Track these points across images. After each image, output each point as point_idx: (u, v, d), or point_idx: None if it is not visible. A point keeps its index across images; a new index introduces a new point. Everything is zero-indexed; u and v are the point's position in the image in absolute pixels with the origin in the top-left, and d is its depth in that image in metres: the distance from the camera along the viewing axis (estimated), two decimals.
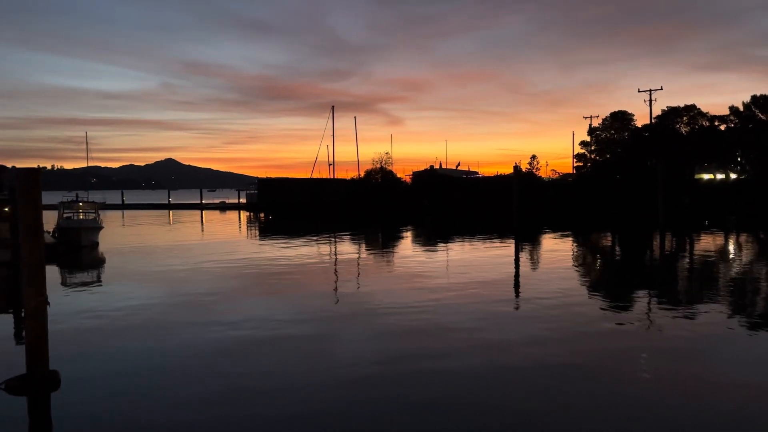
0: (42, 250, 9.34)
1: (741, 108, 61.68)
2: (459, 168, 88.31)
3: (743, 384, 9.06)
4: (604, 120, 68.29)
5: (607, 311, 14.74)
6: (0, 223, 26.69)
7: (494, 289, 17.68)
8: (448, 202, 59.53)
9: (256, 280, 20.47)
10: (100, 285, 20.44)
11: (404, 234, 40.04)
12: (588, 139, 69.02)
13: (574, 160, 73.28)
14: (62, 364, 9.69)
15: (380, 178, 69.97)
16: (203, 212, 74.26)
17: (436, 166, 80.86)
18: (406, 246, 32.80)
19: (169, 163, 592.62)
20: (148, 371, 10.09)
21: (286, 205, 68.13)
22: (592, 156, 68.25)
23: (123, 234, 42.00)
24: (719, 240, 32.80)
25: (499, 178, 65.00)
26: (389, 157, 72.41)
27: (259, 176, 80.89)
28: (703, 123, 63.04)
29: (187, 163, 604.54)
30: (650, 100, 64.58)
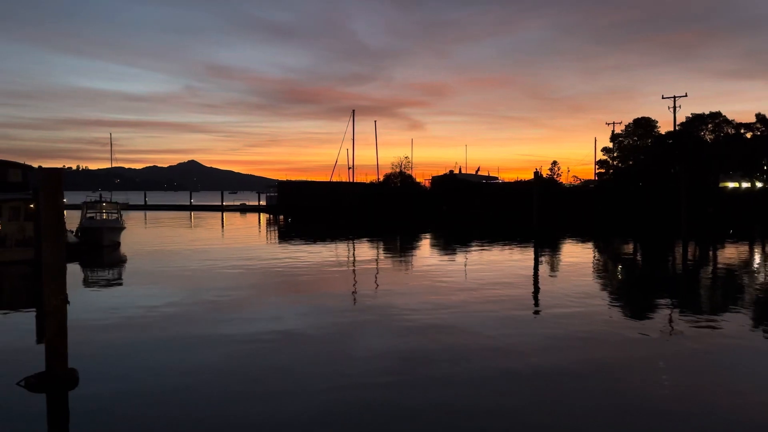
0: (63, 250, 9.47)
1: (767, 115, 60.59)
2: (478, 173, 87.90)
3: (765, 399, 8.85)
4: (627, 126, 67.57)
5: (626, 321, 14.53)
6: (24, 222, 27.25)
7: (513, 295, 17.53)
8: (467, 208, 59.29)
9: (274, 282, 20.57)
10: (121, 285, 20.70)
11: (423, 239, 39.95)
12: (610, 145, 68.32)
13: (596, 166, 72.57)
14: (81, 363, 9.81)
15: (399, 182, 69.92)
16: (224, 214, 74.92)
17: (456, 171, 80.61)
18: (425, 251, 32.72)
19: (192, 165, 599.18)
20: (166, 370, 10.17)
21: (305, 209, 68.42)
22: (615, 163, 67.50)
23: (145, 234, 42.52)
24: (743, 250, 32.19)
25: (519, 184, 64.58)
26: (409, 162, 72.47)
27: (279, 179, 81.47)
28: (729, 130, 62.03)
29: (208, 165, 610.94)
30: (674, 107, 63.66)
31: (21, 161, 36.50)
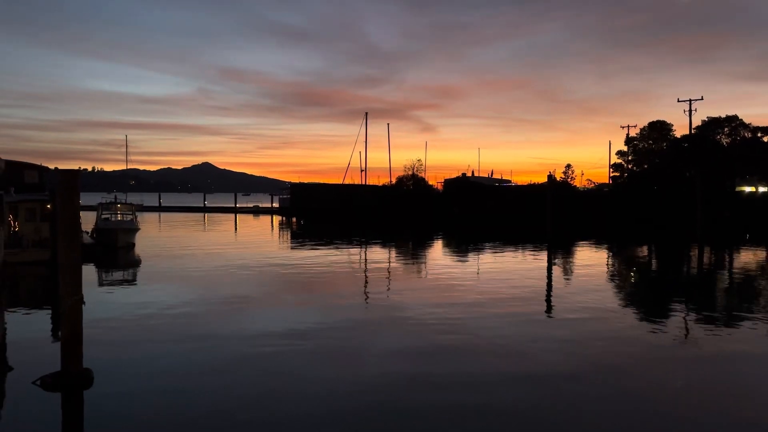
0: (79, 251, 9.57)
1: None
2: (491, 176, 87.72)
3: None
4: (642, 130, 67.05)
5: (640, 325, 14.39)
6: (40, 223, 27.55)
7: (526, 298, 17.43)
8: (479, 210, 59.11)
9: (287, 284, 20.63)
10: (135, 285, 20.85)
11: (435, 241, 39.87)
12: (625, 148, 67.87)
13: (611, 170, 72.10)
14: (96, 363, 9.89)
15: (412, 185, 69.90)
16: (237, 216, 75.30)
17: (468, 174, 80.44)
18: (437, 254, 32.65)
19: (205, 167, 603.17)
20: (180, 370, 10.23)
21: (318, 211, 68.60)
22: (629, 166, 67.02)
23: (159, 236, 42.82)
24: (761, 255, 31.78)
25: (532, 187, 64.28)
26: (421, 164, 72.41)
27: (292, 181, 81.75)
28: (746, 134, 61.32)
29: (222, 167, 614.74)
30: (690, 110, 63.14)
31: (38, 163, 37.01)
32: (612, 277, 23.95)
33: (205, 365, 10.60)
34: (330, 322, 14.30)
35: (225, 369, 10.35)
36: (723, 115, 62.40)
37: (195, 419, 8.18)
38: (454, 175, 77.02)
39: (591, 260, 28.90)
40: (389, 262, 27.95)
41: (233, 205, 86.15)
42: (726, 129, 62.09)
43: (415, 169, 71.37)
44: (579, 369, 10.40)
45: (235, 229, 52.10)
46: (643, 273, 25.85)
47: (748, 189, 59.00)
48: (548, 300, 17.73)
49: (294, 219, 67.81)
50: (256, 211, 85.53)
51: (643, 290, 21.22)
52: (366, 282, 21.50)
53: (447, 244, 38.22)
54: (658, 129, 65.31)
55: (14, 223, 27.37)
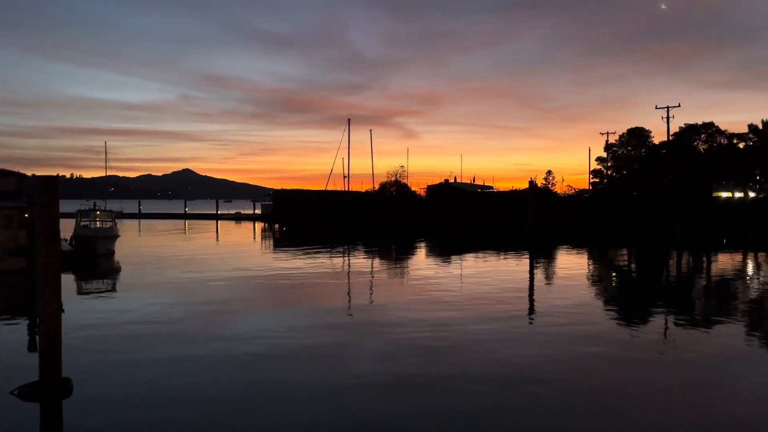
0: (58, 258, 9.43)
1: (760, 126, 61.13)
2: (473, 182, 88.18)
3: (759, 409, 8.88)
4: (621, 136, 68.02)
5: (621, 331, 14.55)
6: (17, 231, 27.08)
7: (507, 304, 17.52)
8: (462, 216, 59.39)
9: (269, 291, 20.52)
10: (115, 293, 20.60)
11: (418, 247, 39.95)
12: (604, 155, 68.78)
13: (591, 176, 73.00)
14: (75, 372, 9.75)
15: (395, 191, 70.05)
16: (219, 223, 74.77)
17: (451, 180, 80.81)
18: (420, 259, 32.72)
19: (186, 173, 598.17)
20: (161, 380, 10.12)
21: (300, 217, 68.38)
22: (609, 172, 67.92)
23: (139, 243, 42.37)
24: (737, 259, 32.33)
25: (513, 193, 64.78)
26: (404, 171, 72.65)
27: (275, 188, 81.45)
28: (722, 141, 62.53)
29: (203, 174, 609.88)
30: (668, 117, 64.18)
31: (15, 169, 36.36)
32: (592, 282, 24.18)
33: (186, 373, 10.50)
34: (312, 328, 14.23)
35: (206, 377, 10.26)
36: (700, 122, 63.68)
37: (176, 427, 8.09)
38: (436, 181, 77.46)
39: (572, 265, 29.16)
40: (372, 269, 27.94)
41: (215, 212, 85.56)
42: (703, 135, 63.25)
43: (398, 175, 71.65)
44: (560, 376, 10.48)
45: (217, 235, 51.73)
46: (623, 277, 26.15)
47: (724, 194, 60.05)
48: (530, 306, 17.84)
49: (277, 225, 67.50)
50: (238, 218, 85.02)
51: (624, 295, 21.46)
52: (349, 288, 21.47)
53: (430, 250, 38.31)
54: (637, 135, 66.31)
55: None
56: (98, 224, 35.37)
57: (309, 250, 35.61)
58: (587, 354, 11.88)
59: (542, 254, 32.91)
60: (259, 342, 12.69)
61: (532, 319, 15.73)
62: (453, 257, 32.76)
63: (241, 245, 41.73)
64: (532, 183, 42.76)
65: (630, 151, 66.47)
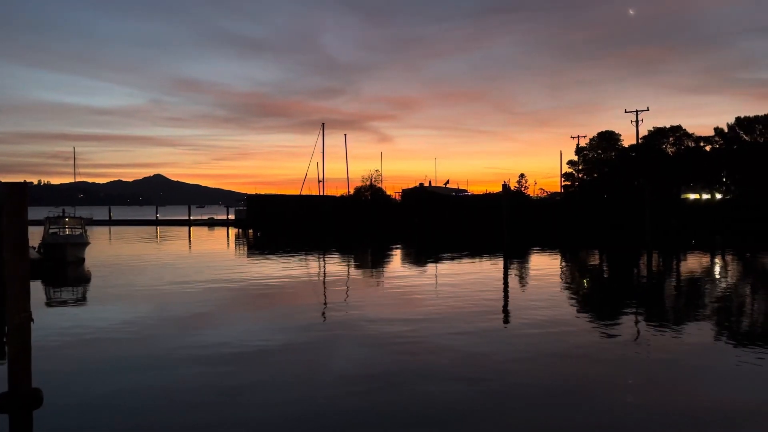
0: (27, 265, 9.25)
1: (726, 129, 62.67)
2: (448, 186, 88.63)
3: (729, 402, 9.12)
4: (591, 140, 69.06)
5: (593, 331, 14.78)
6: None
7: (482, 307, 17.67)
8: (437, 220, 59.66)
9: (243, 298, 20.35)
10: (85, 302, 20.22)
11: (394, 252, 40.02)
12: (575, 158, 69.73)
13: (562, 179, 73.94)
14: (45, 382, 9.56)
15: (370, 195, 70.03)
16: (191, 229, 73.89)
17: (426, 184, 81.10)
18: (396, 264, 32.78)
19: (158, 179, 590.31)
20: (134, 388, 9.97)
21: (275, 222, 67.91)
22: (580, 175, 68.88)
23: (110, 250, 41.66)
24: (705, 260, 33.08)
25: (488, 197, 65.28)
26: (379, 175, 72.65)
27: (249, 193, 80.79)
28: (689, 144, 63.88)
29: (175, 179, 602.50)
30: (637, 121, 65.56)
31: None
32: (565, 283, 24.51)
33: (159, 383, 10.37)
34: (288, 335, 14.18)
35: (178, 387, 10.14)
36: (668, 126, 64.90)
37: None
38: (411, 185, 77.55)
39: (545, 267, 29.51)
40: (348, 274, 27.91)
41: (187, 218, 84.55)
42: (671, 139, 64.56)
43: (374, 179, 71.63)
44: (533, 379, 10.61)
45: (189, 242, 51.12)
46: (595, 278, 26.56)
47: (692, 196, 61.40)
48: (505, 308, 18.01)
49: (251, 231, 66.96)
50: (212, 224, 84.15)
51: (596, 296, 21.80)
52: (324, 294, 21.42)
53: (406, 255, 38.41)
54: (607, 139, 67.41)
55: None
56: (68, 231, 34.71)
57: (283, 256, 35.42)
58: (561, 353, 12.05)
59: (516, 257, 33.25)
60: (231, 352, 12.57)
61: (507, 320, 15.89)
62: (428, 262, 32.90)
63: (213, 252, 41.32)
64: (505, 186, 43.06)
65: (600, 154, 67.53)
